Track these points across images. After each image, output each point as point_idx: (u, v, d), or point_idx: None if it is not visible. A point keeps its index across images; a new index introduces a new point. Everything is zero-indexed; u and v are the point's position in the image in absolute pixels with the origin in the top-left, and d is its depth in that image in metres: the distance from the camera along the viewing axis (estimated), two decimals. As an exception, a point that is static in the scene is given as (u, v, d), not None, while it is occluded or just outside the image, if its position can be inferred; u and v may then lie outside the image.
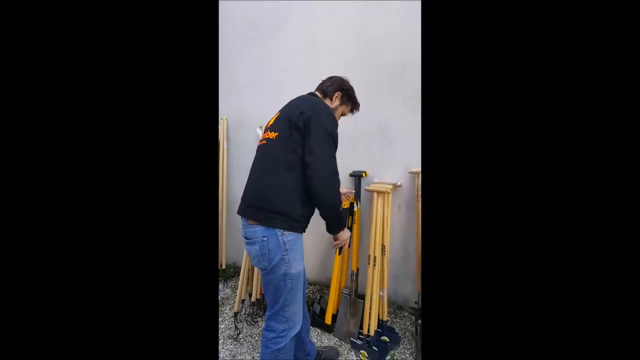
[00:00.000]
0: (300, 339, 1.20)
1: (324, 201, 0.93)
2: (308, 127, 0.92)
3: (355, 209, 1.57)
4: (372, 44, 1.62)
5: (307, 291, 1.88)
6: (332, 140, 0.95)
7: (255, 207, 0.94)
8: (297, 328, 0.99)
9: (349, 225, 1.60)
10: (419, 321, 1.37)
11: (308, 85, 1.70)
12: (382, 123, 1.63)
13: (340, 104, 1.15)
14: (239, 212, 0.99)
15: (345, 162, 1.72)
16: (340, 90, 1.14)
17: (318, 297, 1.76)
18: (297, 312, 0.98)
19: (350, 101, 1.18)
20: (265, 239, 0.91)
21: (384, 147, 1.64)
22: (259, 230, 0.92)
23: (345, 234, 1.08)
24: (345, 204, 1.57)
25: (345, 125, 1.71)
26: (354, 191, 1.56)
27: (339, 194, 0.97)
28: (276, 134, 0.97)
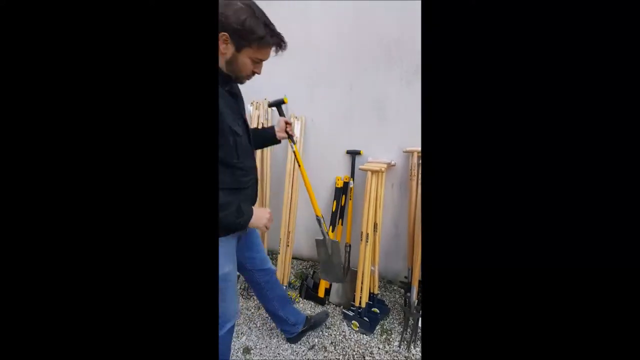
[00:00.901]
0: (279, 317, 1.32)
1: None
2: None
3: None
4: (367, 17, 1.54)
5: (300, 267, 1.95)
6: None
7: None
8: (231, 322, 1.02)
9: (342, 203, 1.62)
10: (408, 294, 1.43)
11: (300, 58, 1.65)
12: (378, 99, 1.60)
13: (238, 50, 0.71)
14: None
15: (340, 140, 1.71)
16: (224, 31, 0.69)
17: (311, 272, 1.82)
18: (228, 308, 0.98)
19: (252, 39, 0.70)
20: None
21: (378, 125, 1.62)
22: None
23: (255, 220, 0.84)
24: (339, 183, 1.58)
25: (340, 102, 1.68)
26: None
27: None
28: None
